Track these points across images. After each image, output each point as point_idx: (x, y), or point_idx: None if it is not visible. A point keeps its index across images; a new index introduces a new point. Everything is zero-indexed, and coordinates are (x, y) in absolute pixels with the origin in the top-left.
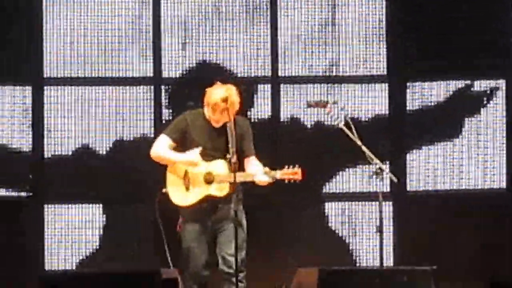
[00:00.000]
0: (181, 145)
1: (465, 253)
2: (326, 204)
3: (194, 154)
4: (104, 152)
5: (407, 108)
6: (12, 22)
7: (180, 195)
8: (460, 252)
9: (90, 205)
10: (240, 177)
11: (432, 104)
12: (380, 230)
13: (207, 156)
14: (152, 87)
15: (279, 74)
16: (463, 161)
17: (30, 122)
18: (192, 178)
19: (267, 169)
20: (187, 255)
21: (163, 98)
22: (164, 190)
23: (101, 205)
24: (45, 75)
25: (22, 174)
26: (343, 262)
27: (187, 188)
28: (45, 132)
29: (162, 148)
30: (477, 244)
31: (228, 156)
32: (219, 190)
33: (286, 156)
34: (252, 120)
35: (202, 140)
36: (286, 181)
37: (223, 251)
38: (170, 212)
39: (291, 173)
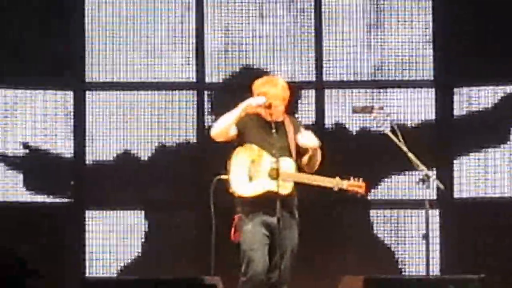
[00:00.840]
0: (238, 143)
1: None
2: (372, 211)
3: (247, 101)
4: (146, 158)
5: (454, 113)
6: (55, 26)
7: (242, 183)
8: (508, 261)
9: (132, 211)
10: (306, 179)
11: (480, 109)
12: (426, 238)
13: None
14: (195, 92)
15: (324, 79)
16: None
17: (72, 128)
18: (257, 169)
19: (337, 178)
20: (248, 258)
21: (205, 103)
22: (222, 177)
23: (143, 211)
24: (87, 80)
25: (64, 179)
26: (388, 270)
27: (250, 178)
28: (87, 138)
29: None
30: None
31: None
32: (282, 188)
33: (331, 163)
34: None
35: (260, 138)
36: (349, 193)
37: (275, 256)
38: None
39: (357, 185)
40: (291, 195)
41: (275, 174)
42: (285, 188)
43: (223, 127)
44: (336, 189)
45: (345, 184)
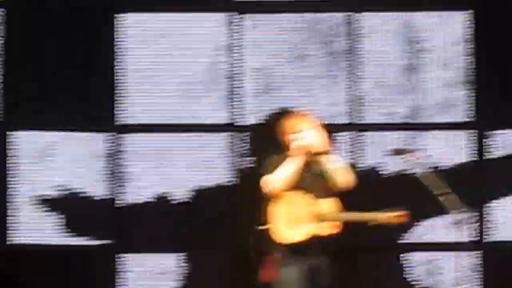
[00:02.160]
0: None
1: None
2: (407, 253)
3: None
4: (182, 201)
5: (488, 156)
6: (89, 68)
7: (285, 231)
8: None
9: (168, 255)
10: (348, 217)
11: None
12: (461, 282)
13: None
14: (231, 134)
15: (359, 121)
16: None
17: (108, 170)
18: (298, 214)
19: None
20: None
21: (241, 145)
22: (263, 227)
23: (179, 255)
24: (122, 122)
25: (101, 222)
26: None
27: (293, 224)
28: (123, 180)
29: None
30: None
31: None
32: (325, 229)
33: (366, 205)
34: None
35: (297, 181)
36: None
37: None
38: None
39: (398, 215)
40: (332, 235)
41: (322, 217)
42: (328, 229)
43: (280, 182)
44: (379, 222)
45: (391, 215)
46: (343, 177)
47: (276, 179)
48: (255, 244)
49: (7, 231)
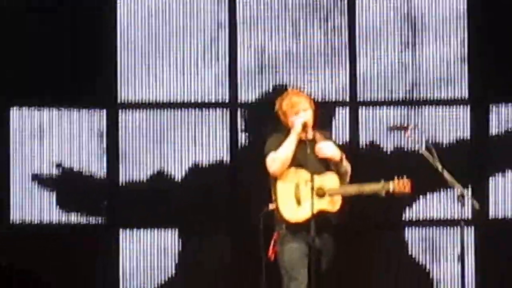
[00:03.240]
0: None
1: None
2: (406, 230)
3: (298, 124)
4: (180, 178)
5: (490, 131)
6: (87, 45)
7: (292, 209)
8: None
9: (166, 231)
10: (353, 189)
11: None
12: (461, 257)
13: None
14: (228, 111)
15: (358, 97)
16: None
17: (105, 147)
18: (303, 191)
19: (382, 181)
20: (289, 276)
21: (239, 122)
22: (270, 207)
23: (176, 232)
24: (119, 100)
25: (97, 199)
26: None
27: (299, 202)
28: (120, 158)
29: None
30: None
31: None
32: (332, 204)
33: (366, 182)
34: None
35: (298, 159)
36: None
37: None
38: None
39: (403, 184)
40: (338, 211)
41: (322, 192)
42: (335, 204)
43: (285, 161)
44: (383, 193)
45: (391, 185)
46: (329, 152)
47: (279, 157)
48: (261, 222)
49: (5, 210)
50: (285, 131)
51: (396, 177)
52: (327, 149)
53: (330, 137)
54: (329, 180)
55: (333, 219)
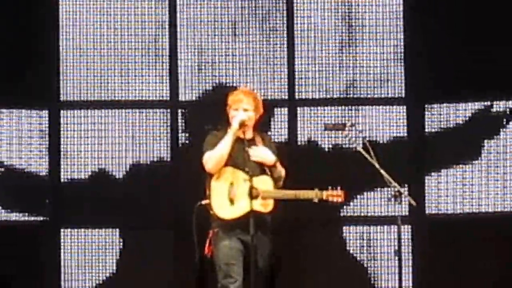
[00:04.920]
0: None
1: (485, 278)
2: (344, 227)
3: (235, 122)
4: (121, 176)
5: (426, 130)
6: (29, 45)
7: (224, 207)
8: (480, 277)
9: (107, 230)
10: (286, 194)
11: (451, 126)
12: (398, 254)
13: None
14: (169, 110)
15: (296, 96)
16: (483, 183)
17: (47, 146)
18: (237, 191)
19: (316, 190)
20: (225, 272)
21: (179, 121)
22: (203, 202)
23: (118, 230)
24: (61, 99)
25: (39, 198)
26: (361, 286)
27: (232, 201)
28: (62, 156)
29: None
30: (498, 269)
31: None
32: (264, 206)
33: (304, 180)
34: None
35: (235, 158)
36: (329, 203)
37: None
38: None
39: (336, 194)
40: (269, 213)
41: (256, 193)
42: (267, 206)
43: (220, 159)
44: (316, 200)
45: (324, 194)
46: (262, 157)
47: (215, 155)
48: (196, 219)
49: None
50: (224, 129)
51: (330, 188)
52: (259, 153)
53: (270, 141)
54: (263, 183)
55: (267, 217)
